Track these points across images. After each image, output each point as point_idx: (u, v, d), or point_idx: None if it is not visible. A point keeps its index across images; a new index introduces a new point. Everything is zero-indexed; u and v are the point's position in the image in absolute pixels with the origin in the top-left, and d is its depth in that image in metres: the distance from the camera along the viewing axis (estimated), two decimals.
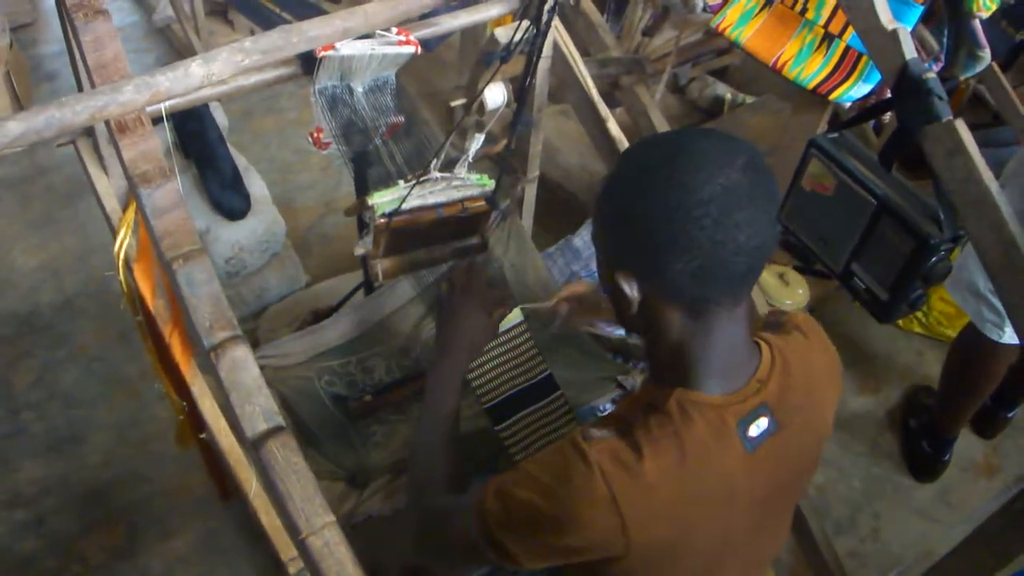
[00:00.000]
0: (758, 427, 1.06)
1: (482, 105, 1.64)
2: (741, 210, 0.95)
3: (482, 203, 1.64)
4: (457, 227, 1.67)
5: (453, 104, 1.94)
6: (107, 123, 1.10)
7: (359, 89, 1.56)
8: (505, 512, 1.06)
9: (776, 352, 1.12)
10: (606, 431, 1.05)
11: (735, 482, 1.06)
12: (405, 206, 1.54)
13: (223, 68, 1.12)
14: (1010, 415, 2.62)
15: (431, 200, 1.58)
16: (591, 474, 1.00)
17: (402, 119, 1.60)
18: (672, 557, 1.07)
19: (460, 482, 1.29)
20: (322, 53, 1.41)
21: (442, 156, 1.56)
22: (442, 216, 1.59)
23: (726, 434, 1.05)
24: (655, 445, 1.02)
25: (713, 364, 1.06)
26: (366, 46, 1.46)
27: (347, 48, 1.43)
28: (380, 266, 1.62)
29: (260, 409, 0.94)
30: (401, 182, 1.57)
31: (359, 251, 1.61)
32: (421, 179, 1.56)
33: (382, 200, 1.54)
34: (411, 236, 1.61)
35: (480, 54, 1.56)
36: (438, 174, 1.58)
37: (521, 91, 1.63)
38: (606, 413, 1.71)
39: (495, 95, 1.58)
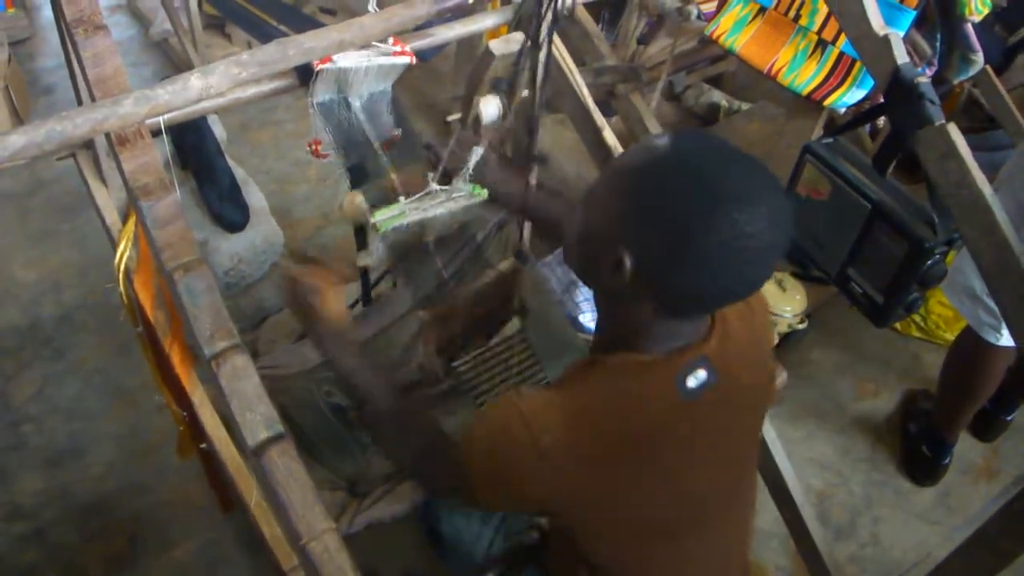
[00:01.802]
0: (696, 378, 1.10)
1: (478, 120, 1.65)
2: (766, 255, 0.99)
3: (511, 260, 1.65)
4: (494, 296, 1.68)
5: (449, 119, 1.95)
6: (107, 136, 1.11)
7: (356, 103, 1.57)
8: (464, 463, 1.12)
9: (717, 312, 1.16)
10: (541, 387, 1.17)
11: (676, 431, 1.11)
12: (406, 221, 1.55)
13: (221, 81, 1.13)
14: (1009, 418, 2.63)
15: (431, 213, 1.59)
16: (513, 418, 1.07)
17: (399, 132, 1.61)
18: (623, 506, 1.12)
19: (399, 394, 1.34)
20: (319, 66, 1.42)
21: (440, 171, 1.57)
22: (477, 289, 1.61)
23: (658, 382, 1.09)
24: (580, 389, 1.10)
25: (663, 339, 1.10)
26: (362, 58, 1.47)
27: (343, 60, 1.44)
28: (439, 365, 1.64)
29: (261, 417, 0.95)
30: (401, 199, 1.58)
31: (361, 262, 1.62)
32: (420, 195, 1.57)
33: (384, 217, 1.55)
34: (455, 320, 1.62)
35: (475, 66, 1.56)
36: (436, 187, 1.59)
37: (528, 120, 1.64)
38: None
39: (490, 109, 1.58)
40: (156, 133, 1.28)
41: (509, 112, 1.56)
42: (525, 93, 1.54)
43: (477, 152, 1.54)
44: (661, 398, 1.09)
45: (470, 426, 1.14)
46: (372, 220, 1.54)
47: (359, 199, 1.54)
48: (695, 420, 1.12)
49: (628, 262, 1.02)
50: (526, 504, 1.18)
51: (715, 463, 1.19)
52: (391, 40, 1.48)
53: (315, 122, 1.55)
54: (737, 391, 1.17)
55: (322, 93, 1.52)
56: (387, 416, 1.29)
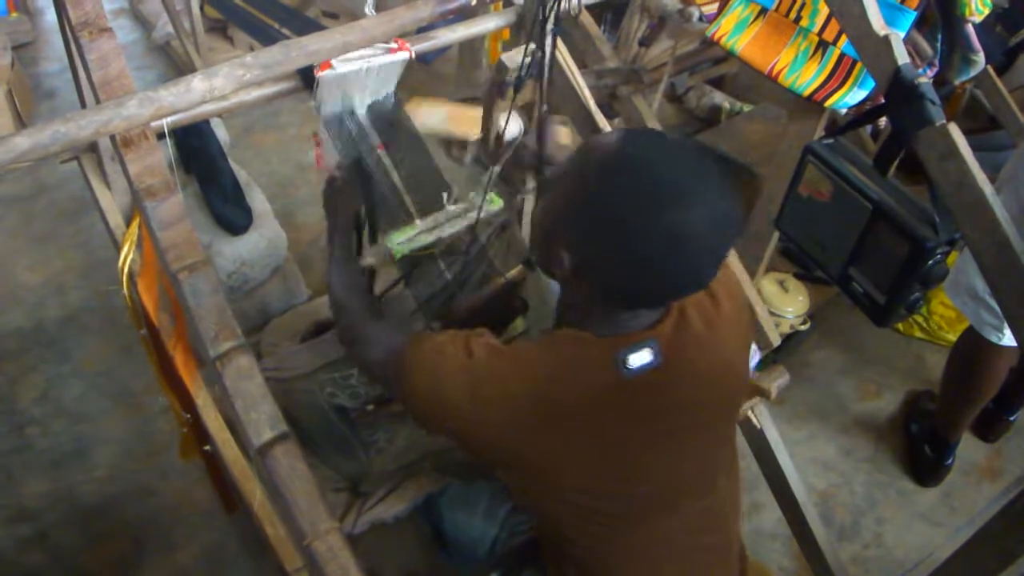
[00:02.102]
0: (640, 358, 1.13)
1: (499, 136, 1.66)
2: (708, 254, 1.04)
3: (519, 269, 1.66)
4: (502, 300, 1.69)
5: (471, 139, 1.97)
6: (112, 138, 1.12)
7: (360, 111, 1.58)
8: (407, 369, 1.18)
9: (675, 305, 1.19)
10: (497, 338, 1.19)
11: (606, 406, 1.14)
12: (422, 242, 1.56)
13: (225, 83, 1.14)
14: (1012, 418, 2.63)
15: (447, 232, 1.61)
16: (467, 356, 1.13)
17: (395, 139, 1.63)
18: (568, 476, 1.17)
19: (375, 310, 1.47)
20: (319, 74, 1.43)
21: (454, 192, 1.59)
22: (489, 295, 1.62)
23: (598, 357, 1.13)
24: (528, 354, 1.17)
25: (610, 326, 1.14)
26: (361, 62, 1.48)
27: (342, 66, 1.45)
28: None
29: (265, 416, 0.95)
30: (418, 222, 1.60)
31: (365, 263, 1.62)
32: (434, 213, 1.59)
33: (398, 242, 1.57)
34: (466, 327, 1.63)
35: (490, 84, 1.57)
36: (451, 207, 1.61)
37: (539, 125, 1.64)
38: None
39: (512, 128, 1.60)
40: (159, 136, 1.28)
41: (530, 128, 1.57)
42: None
43: (494, 172, 1.57)
44: (599, 371, 1.12)
45: (423, 339, 1.19)
46: (388, 245, 1.56)
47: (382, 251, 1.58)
48: (635, 399, 1.15)
49: (567, 259, 1.08)
50: (444, 431, 1.20)
51: (668, 447, 1.22)
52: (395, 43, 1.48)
53: (323, 133, 1.57)
54: (690, 380, 1.20)
55: (328, 106, 1.53)
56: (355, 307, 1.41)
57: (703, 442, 1.30)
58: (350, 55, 1.43)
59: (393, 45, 1.49)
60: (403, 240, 1.55)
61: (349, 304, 1.44)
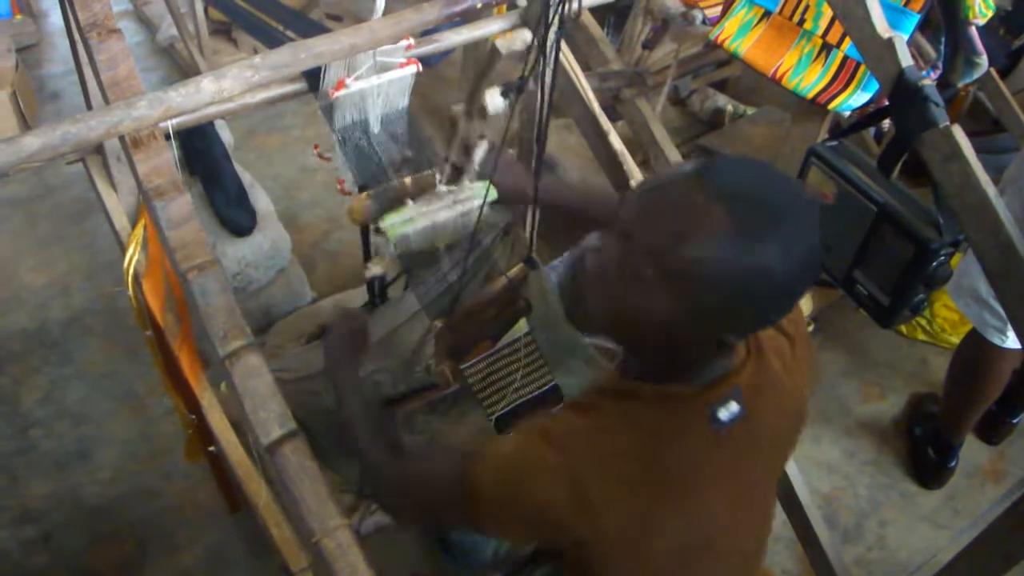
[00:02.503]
0: (728, 411, 1.06)
1: (483, 110, 1.66)
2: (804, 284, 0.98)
3: (521, 267, 1.65)
4: (505, 297, 1.68)
5: (454, 108, 1.95)
6: (121, 138, 1.12)
7: (375, 126, 1.59)
8: (478, 484, 1.07)
9: (752, 344, 1.13)
10: (572, 414, 1.09)
11: (704, 465, 1.08)
12: (417, 226, 1.55)
13: (233, 84, 1.14)
14: (1015, 420, 2.63)
15: (441, 216, 1.59)
16: (548, 448, 1.02)
17: (410, 153, 1.62)
18: (646, 541, 1.08)
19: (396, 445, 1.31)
20: (335, 94, 1.44)
21: (447, 171, 1.57)
22: (491, 295, 1.61)
23: (693, 417, 1.06)
24: (620, 427, 1.05)
25: (694, 370, 1.06)
26: (373, 78, 1.49)
27: (356, 84, 1.46)
28: (448, 369, 1.64)
29: (274, 414, 0.96)
30: (409, 201, 1.58)
31: (370, 273, 1.63)
32: (428, 197, 1.57)
33: (392, 222, 1.55)
34: (469, 326, 1.63)
35: (482, 64, 1.57)
36: (444, 188, 1.59)
37: (537, 126, 1.64)
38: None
39: (496, 100, 1.59)
40: (165, 138, 1.29)
41: (515, 104, 1.56)
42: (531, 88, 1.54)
43: (483, 147, 1.54)
44: (696, 432, 1.05)
45: (483, 445, 1.10)
46: (381, 224, 1.54)
47: (367, 202, 1.54)
48: (723, 455, 1.09)
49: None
50: (535, 531, 1.12)
51: (733, 499, 1.15)
52: (405, 44, 1.49)
53: (338, 154, 1.57)
54: (763, 428, 1.13)
55: (342, 124, 1.54)
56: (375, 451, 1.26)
57: (770, 490, 1.26)
58: (360, 71, 1.44)
59: (401, 59, 1.50)
60: (396, 220, 1.54)
61: (373, 450, 1.28)
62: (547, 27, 1.40)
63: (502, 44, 1.54)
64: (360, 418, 1.34)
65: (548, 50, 1.44)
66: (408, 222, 1.53)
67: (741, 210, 0.91)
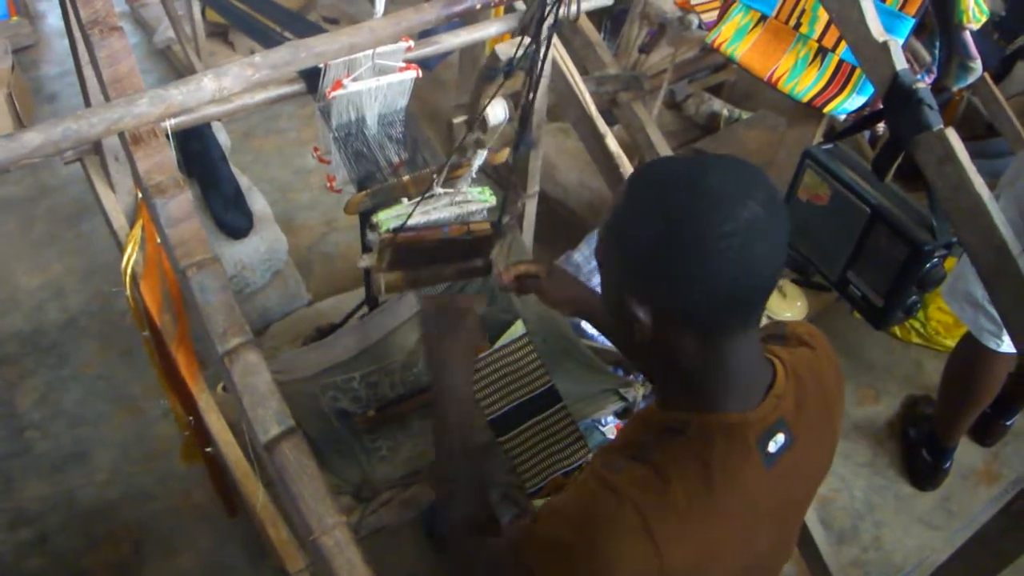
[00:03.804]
0: (776, 443, 1.06)
1: (484, 122, 1.67)
2: (760, 243, 0.96)
3: (487, 226, 1.65)
4: (462, 248, 1.68)
5: (455, 121, 1.96)
6: (121, 135, 1.13)
7: (372, 127, 1.59)
8: (541, 555, 1.03)
9: (788, 367, 1.12)
10: (628, 460, 1.04)
11: (758, 500, 1.06)
12: (410, 223, 1.55)
13: (234, 82, 1.15)
14: (1009, 423, 2.64)
15: (435, 216, 1.60)
16: (622, 505, 0.99)
17: (407, 156, 1.63)
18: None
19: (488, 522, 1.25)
20: (332, 94, 1.44)
21: (444, 173, 1.58)
22: (447, 236, 1.61)
23: (747, 453, 1.04)
24: (681, 470, 1.01)
25: (730, 385, 1.05)
26: (371, 80, 1.49)
27: (354, 85, 1.46)
28: (383, 279, 1.63)
29: (272, 412, 0.96)
30: (405, 199, 1.59)
31: (363, 263, 1.63)
32: (425, 196, 1.58)
33: (387, 217, 1.56)
34: (416, 253, 1.62)
35: (483, 70, 1.58)
36: (441, 190, 1.60)
37: (523, 108, 1.65)
38: (615, 438, 1.67)
39: (497, 112, 1.60)
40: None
41: (516, 116, 1.57)
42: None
43: (481, 155, 1.55)
44: (747, 467, 1.04)
45: (547, 505, 1.06)
46: (375, 219, 1.55)
47: (365, 199, 1.55)
48: (773, 490, 1.08)
49: (644, 312, 1.00)
50: None
51: (778, 525, 1.15)
52: (404, 46, 1.50)
53: (335, 152, 1.57)
54: (810, 449, 1.13)
55: (338, 124, 1.54)
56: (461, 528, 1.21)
57: (798, 519, 1.25)
58: (359, 72, 1.44)
59: (401, 64, 1.50)
60: (390, 215, 1.54)
61: (461, 528, 1.22)
62: (541, 21, 1.41)
63: (503, 50, 1.56)
64: (460, 487, 1.25)
65: (543, 43, 1.45)
66: (400, 217, 1.54)
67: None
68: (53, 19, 4.41)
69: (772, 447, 1.05)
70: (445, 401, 1.33)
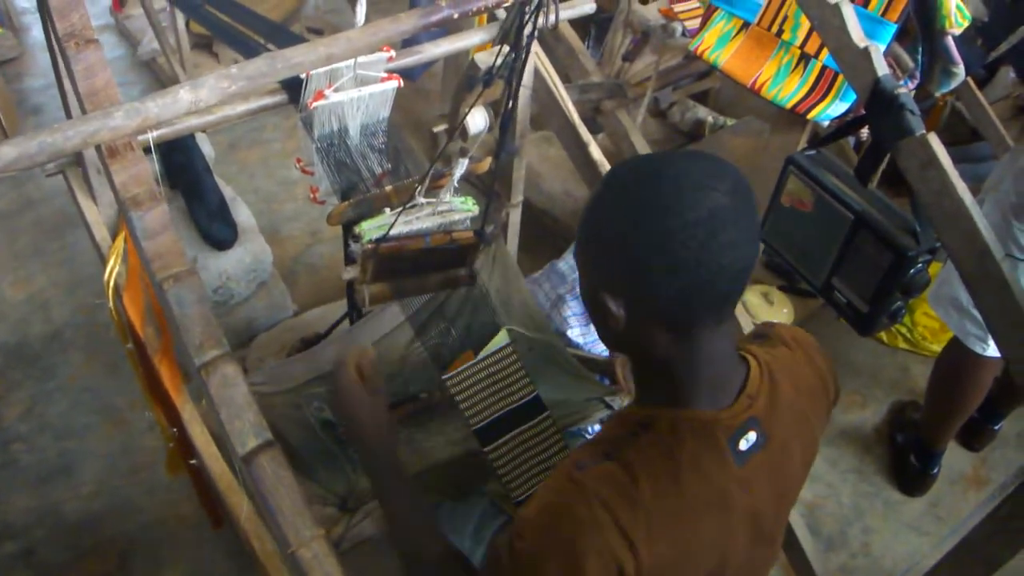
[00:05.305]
0: (747, 441, 1.07)
1: (465, 130, 1.66)
2: (726, 232, 0.95)
3: (470, 235, 1.65)
4: (445, 257, 1.68)
5: (435, 130, 1.96)
6: (98, 148, 1.12)
7: (355, 137, 1.59)
8: (519, 564, 1.01)
9: (763, 366, 1.12)
10: (597, 457, 1.04)
11: (729, 497, 1.07)
12: (392, 232, 1.55)
13: (210, 94, 1.14)
14: (996, 427, 2.65)
15: (417, 226, 1.60)
16: (589, 502, 0.99)
17: (389, 167, 1.62)
18: (683, 570, 1.06)
19: (451, 554, 1.22)
20: (313, 104, 1.44)
21: (427, 183, 1.58)
22: (429, 246, 1.60)
23: (717, 450, 1.05)
24: (649, 466, 1.02)
25: (701, 381, 1.06)
26: (353, 91, 1.49)
27: (336, 96, 1.46)
28: (367, 291, 1.63)
29: (250, 424, 0.95)
30: (388, 210, 1.59)
31: (347, 275, 1.63)
32: (407, 205, 1.58)
33: (369, 227, 1.56)
34: (399, 263, 1.62)
35: (463, 79, 1.58)
36: (423, 199, 1.59)
37: (503, 117, 1.65)
38: (593, 436, 1.67)
39: (477, 120, 1.59)
40: (146, 151, 1.28)
41: (496, 125, 1.57)
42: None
43: (463, 164, 1.55)
44: (720, 466, 1.05)
45: (518, 516, 1.05)
46: (357, 230, 1.54)
47: (347, 209, 1.55)
48: (745, 489, 1.08)
49: (616, 305, 1.01)
50: None
51: (753, 531, 1.14)
52: (385, 57, 1.49)
53: (317, 162, 1.56)
54: (783, 450, 1.13)
55: (320, 135, 1.54)
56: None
57: (778, 522, 1.23)
58: (341, 83, 1.44)
59: (383, 74, 1.50)
60: (372, 226, 1.54)
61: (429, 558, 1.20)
62: (520, 27, 1.41)
63: (482, 59, 1.56)
64: (409, 519, 1.22)
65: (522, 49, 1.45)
66: (382, 228, 1.53)
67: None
68: (37, 32, 4.39)
69: (744, 445, 1.06)
70: (380, 480, 1.25)
